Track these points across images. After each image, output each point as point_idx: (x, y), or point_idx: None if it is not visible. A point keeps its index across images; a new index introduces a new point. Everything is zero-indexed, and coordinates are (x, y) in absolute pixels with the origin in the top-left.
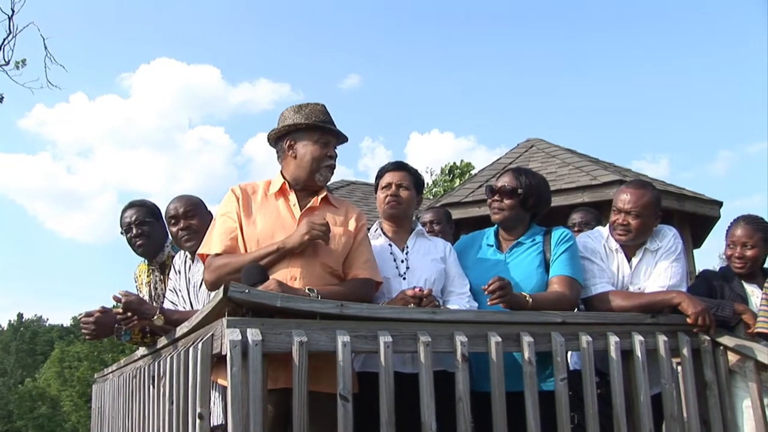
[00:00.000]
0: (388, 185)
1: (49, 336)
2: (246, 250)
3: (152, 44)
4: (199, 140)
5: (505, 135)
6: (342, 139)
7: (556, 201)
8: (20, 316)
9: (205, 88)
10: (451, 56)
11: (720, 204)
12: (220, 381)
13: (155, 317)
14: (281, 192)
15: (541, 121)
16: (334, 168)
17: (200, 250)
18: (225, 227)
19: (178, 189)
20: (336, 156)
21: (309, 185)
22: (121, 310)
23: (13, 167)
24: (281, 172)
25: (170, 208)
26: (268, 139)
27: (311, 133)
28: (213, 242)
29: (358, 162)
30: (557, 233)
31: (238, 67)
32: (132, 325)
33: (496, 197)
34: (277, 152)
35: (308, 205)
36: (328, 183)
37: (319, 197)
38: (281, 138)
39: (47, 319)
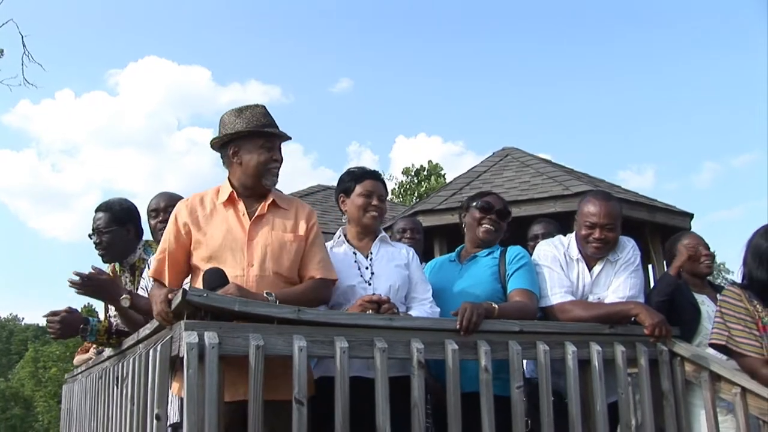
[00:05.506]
0: (370, 194)
1: (24, 335)
2: (197, 264)
3: (141, 42)
4: (187, 141)
5: (494, 141)
6: (285, 138)
7: (528, 210)
8: None
9: (194, 88)
10: (447, 61)
11: (691, 216)
12: (174, 386)
13: (122, 297)
14: (230, 201)
15: (530, 128)
16: (280, 168)
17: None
18: (159, 250)
19: (162, 190)
20: (281, 159)
21: (257, 190)
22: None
23: None
24: (228, 178)
25: (152, 203)
26: (212, 146)
27: (255, 139)
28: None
29: (344, 167)
30: (513, 250)
31: (228, 67)
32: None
33: (493, 216)
34: (222, 158)
35: (256, 213)
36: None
37: (267, 203)
38: (225, 145)
39: (23, 319)
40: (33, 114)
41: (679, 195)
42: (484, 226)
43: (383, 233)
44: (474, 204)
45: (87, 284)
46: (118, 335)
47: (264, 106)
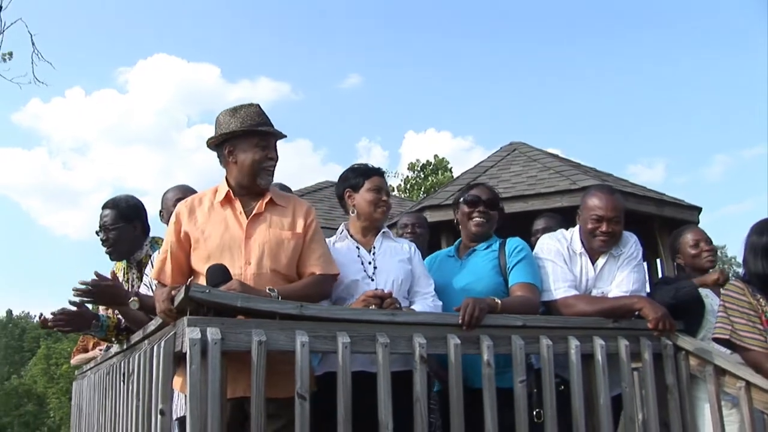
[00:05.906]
0: (379, 189)
1: (36, 333)
2: (196, 265)
3: (151, 40)
4: (197, 138)
5: (504, 136)
6: (280, 136)
7: (535, 205)
8: (9, 312)
9: (204, 85)
10: (456, 57)
11: (699, 210)
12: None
13: (131, 300)
14: (227, 200)
15: (540, 123)
16: (275, 167)
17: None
18: (161, 251)
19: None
20: (277, 157)
21: (253, 189)
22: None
23: (7, 162)
24: (226, 177)
25: (168, 197)
26: (208, 146)
27: (249, 138)
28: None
29: (354, 163)
30: (512, 242)
31: (238, 64)
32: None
33: (481, 208)
34: (218, 158)
35: (254, 212)
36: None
37: (264, 201)
38: (221, 144)
39: (35, 316)
40: (43, 112)
41: (690, 189)
42: (474, 219)
43: (386, 228)
44: (462, 199)
45: (92, 291)
46: (127, 331)
47: (258, 105)
